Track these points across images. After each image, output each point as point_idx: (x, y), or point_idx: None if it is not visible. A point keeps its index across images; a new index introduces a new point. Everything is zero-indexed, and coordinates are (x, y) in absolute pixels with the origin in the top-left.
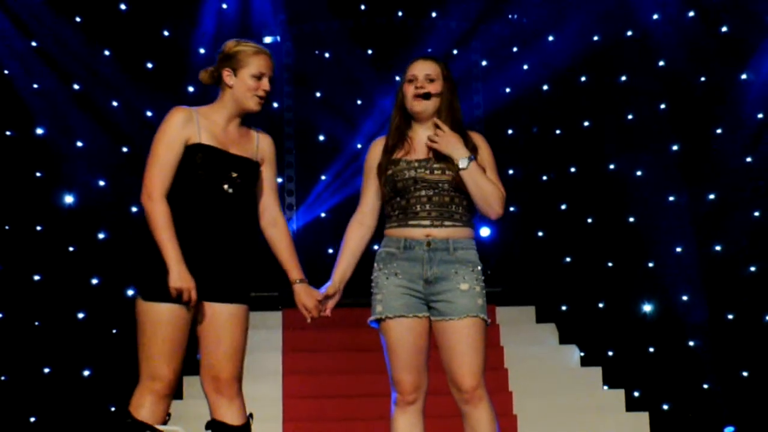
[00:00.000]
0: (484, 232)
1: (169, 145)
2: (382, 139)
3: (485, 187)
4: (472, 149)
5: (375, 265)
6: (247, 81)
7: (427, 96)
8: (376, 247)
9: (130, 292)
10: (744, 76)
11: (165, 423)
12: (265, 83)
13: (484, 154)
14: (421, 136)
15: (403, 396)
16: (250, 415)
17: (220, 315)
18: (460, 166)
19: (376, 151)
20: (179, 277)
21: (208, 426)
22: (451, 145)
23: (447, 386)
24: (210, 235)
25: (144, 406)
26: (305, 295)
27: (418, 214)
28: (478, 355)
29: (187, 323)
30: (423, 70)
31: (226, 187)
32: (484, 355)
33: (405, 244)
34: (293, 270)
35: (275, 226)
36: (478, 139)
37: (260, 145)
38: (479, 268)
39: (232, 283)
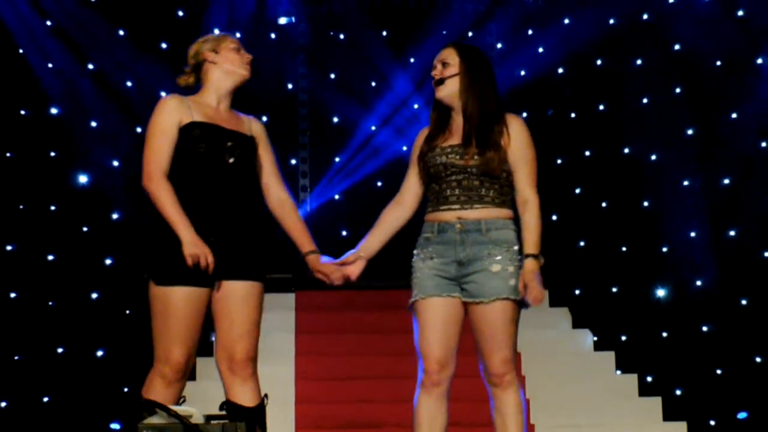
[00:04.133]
0: None
1: (163, 129)
2: (427, 127)
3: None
4: (497, 137)
5: (414, 251)
6: (230, 54)
7: (440, 82)
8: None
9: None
10: (760, 61)
11: (179, 405)
12: (245, 53)
13: (517, 141)
14: (456, 121)
15: (429, 376)
16: (265, 395)
17: (235, 293)
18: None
19: (420, 138)
20: (193, 243)
21: (222, 407)
22: (537, 283)
23: (466, 369)
24: (219, 210)
25: (154, 390)
26: (319, 263)
27: (448, 199)
28: (507, 339)
29: (201, 306)
30: (439, 58)
31: (227, 157)
32: (514, 339)
33: (439, 227)
34: (305, 243)
35: (282, 205)
36: (513, 123)
37: (252, 127)
38: (515, 248)
39: (246, 260)
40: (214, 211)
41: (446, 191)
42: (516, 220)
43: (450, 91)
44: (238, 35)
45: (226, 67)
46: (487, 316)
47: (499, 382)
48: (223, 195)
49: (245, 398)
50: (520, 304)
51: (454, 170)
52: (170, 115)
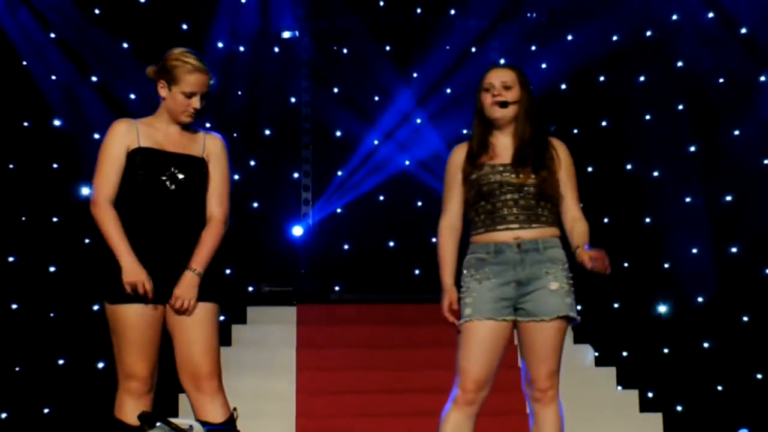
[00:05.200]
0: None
1: (111, 155)
2: (464, 145)
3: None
4: (549, 159)
5: (465, 271)
6: (178, 97)
7: (504, 104)
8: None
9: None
10: (763, 78)
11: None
12: (195, 101)
13: (565, 163)
14: (502, 141)
15: (464, 394)
16: (234, 409)
17: (187, 314)
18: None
19: (458, 156)
20: (131, 271)
21: None
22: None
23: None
24: (162, 234)
25: (125, 408)
26: (186, 285)
27: (506, 218)
28: (558, 356)
29: (156, 321)
30: (499, 77)
31: (167, 183)
32: (561, 355)
33: (495, 248)
34: (194, 260)
35: (209, 220)
36: (559, 147)
37: (207, 144)
38: (567, 266)
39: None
40: (159, 236)
41: (502, 210)
42: (562, 238)
43: (510, 114)
44: (242, 48)
45: (169, 107)
46: (544, 333)
47: (542, 397)
48: (168, 220)
49: (214, 415)
50: (571, 320)
51: (510, 189)
52: (119, 141)
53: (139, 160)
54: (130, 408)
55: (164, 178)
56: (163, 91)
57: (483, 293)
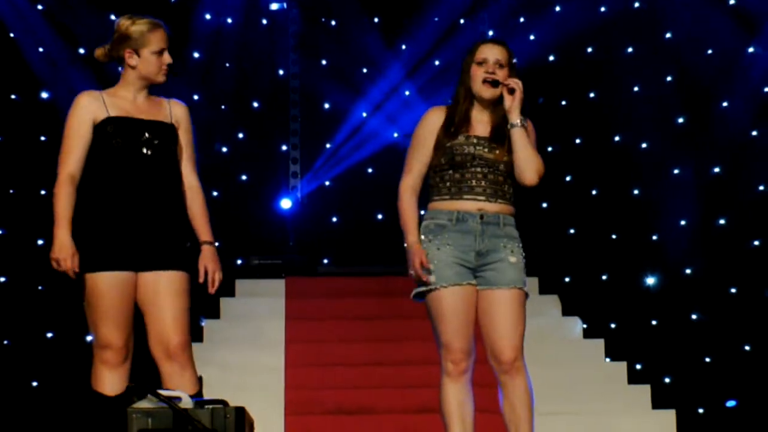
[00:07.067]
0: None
1: (75, 128)
2: (440, 109)
3: (531, 150)
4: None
5: (422, 237)
6: (151, 59)
7: (496, 83)
8: None
9: None
10: (751, 49)
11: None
12: (165, 57)
13: (531, 136)
14: (483, 114)
15: (455, 365)
16: (200, 378)
17: (158, 283)
18: (516, 123)
19: (433, 120)
20: (58, 247)
21: None
22: (519, 102)
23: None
24: (137, 202)
25: (101, 378)
26: (206, 256)
27: (473, 189)
28: (520, 327)
29: (129, 290)
30: (494, 54)
31: (144, 149)
32: (524, 327)
33: (458, 216)
34: (202, 233)
35: (190, 191)
36: (530, 126)
37: (173, 112)
38: (521, 245)
39: (166, 250)
40: (135, 203)
41: (471, 181)
42: (516, 216)
43: (498, 93)
44: (229, 20)
45: (143, 73)
46: (504, 303)
47: (509, 369)
48: (143, 187)
49: (185, 387)
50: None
51: (482, 162)
52: (83, 114)
53: (111, 128)
54: (108, 379)
55: (140, 144)
56: (132, 60)
57: (443, 259)
